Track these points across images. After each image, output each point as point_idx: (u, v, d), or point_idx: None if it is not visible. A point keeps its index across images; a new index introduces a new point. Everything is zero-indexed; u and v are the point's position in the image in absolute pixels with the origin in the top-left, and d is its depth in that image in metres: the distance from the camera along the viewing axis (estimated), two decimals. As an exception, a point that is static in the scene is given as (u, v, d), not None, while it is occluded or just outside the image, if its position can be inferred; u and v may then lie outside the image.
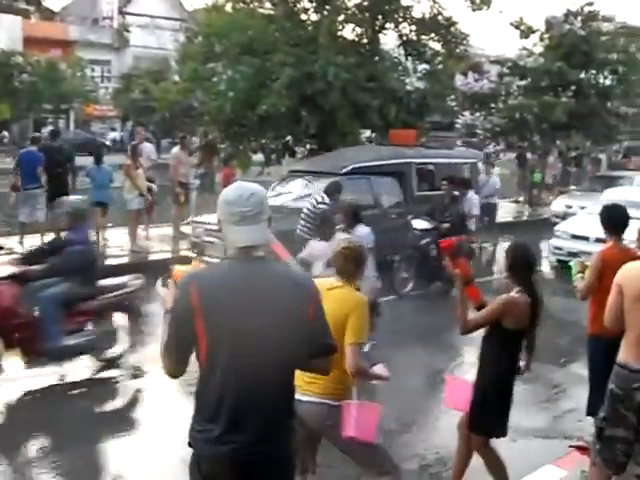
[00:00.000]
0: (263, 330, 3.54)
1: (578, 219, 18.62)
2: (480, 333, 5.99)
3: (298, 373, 3.90)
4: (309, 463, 5.52)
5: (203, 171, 22.90)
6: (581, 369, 8.73)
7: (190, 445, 3.69)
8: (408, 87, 22.23)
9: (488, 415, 5.97)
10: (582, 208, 20.43)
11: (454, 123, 30.58)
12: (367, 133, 23.41)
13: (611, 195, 17.98)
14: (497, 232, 20.41)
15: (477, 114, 29.83)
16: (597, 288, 6.80)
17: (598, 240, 14.62)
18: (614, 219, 7.22)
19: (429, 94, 22.44)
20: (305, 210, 12.35)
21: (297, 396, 3.95)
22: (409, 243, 14.33)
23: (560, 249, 17.67)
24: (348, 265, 5.42)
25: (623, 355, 5.53)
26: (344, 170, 14.94)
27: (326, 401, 5.17)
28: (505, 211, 27.49)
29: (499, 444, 7.15)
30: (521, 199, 30.64)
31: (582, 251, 15.65)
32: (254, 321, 3.53)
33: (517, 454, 7.40)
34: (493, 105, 29.33)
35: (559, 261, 17.58)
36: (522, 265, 5.87)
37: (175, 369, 3.68)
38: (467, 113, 30.03)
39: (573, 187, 27.68)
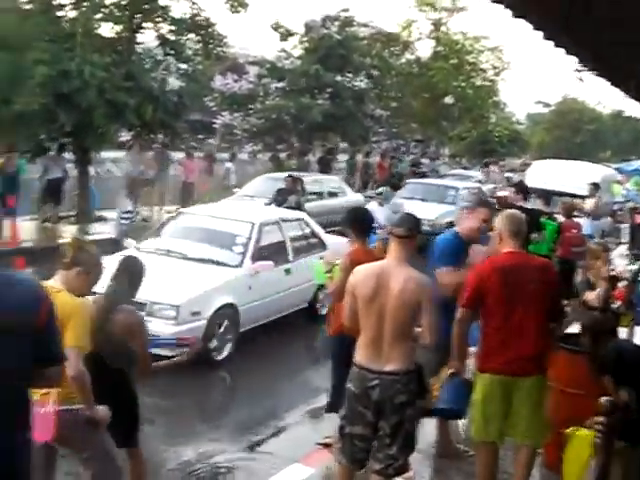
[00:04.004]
0: None
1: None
2: None
3: None
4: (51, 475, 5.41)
5: None
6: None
7: None
8: (169, 86, 22.15)
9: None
10: None
11: (213, 123, 30.76)
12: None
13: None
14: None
15: (236, 114, 30.09)
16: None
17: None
18: (360, 221, 7.34)
19: (186, 94, 22.52)
20: None
21: None
22: None
23: None
24: None
25: (358, 355, 5.77)
26: None
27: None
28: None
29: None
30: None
31: None
32: None
33: (264, 453, 7.65)
34: (251, 106, 29.72)
35: None
36: None
37: None
38: (226, 113, 30.22)
39: None
